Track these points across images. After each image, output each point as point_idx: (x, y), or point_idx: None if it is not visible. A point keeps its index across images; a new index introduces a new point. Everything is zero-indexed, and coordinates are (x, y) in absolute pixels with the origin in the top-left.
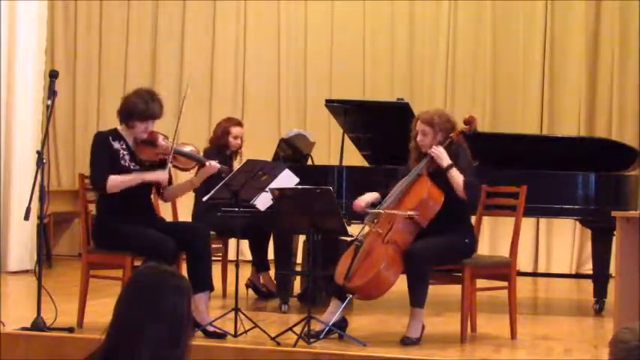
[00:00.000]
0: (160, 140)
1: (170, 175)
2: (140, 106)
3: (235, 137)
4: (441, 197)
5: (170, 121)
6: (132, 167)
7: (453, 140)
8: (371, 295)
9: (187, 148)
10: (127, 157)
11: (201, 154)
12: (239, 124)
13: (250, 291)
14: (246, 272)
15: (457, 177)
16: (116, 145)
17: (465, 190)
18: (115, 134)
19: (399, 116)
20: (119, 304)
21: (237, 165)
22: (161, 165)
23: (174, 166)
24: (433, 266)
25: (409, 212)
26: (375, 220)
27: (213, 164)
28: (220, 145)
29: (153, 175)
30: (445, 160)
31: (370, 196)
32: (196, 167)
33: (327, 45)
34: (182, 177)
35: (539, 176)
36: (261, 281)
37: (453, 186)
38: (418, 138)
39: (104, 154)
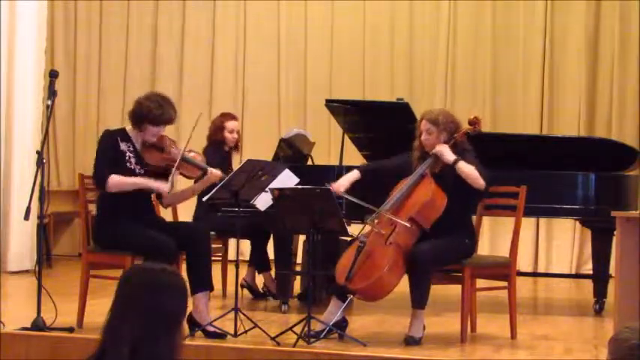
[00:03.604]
0: (168, 146)
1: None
2: (155, 111)
3: (231, 131)
4: (445, 199)
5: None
6: (137, 170)
7: (457, 141)
8: (373, 297)
9: (192, 155)
10: (132, 160)
11: (201, 151)
12: (234, 118)
13: (245, 291)
14: (245, 272)
15: (468, 168)
16: (123, 146)
17: (482, 177)
18: (123, 134)
19: (399, 116)
20: (112, 302)
21: (235, 163)
22: (166, 171)
23: (180, 174)
24: (435, 267)
25: (409, 225)
26: (377, 221)
27: (216, 172)
28: (218, 142)
29: (155, 184)
30: (450, 155)
31: (350, 177)
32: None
33: (327, 45)
34: (182, 184)
35: (539, 176)
36: (263, 281)
37: (465, 179)
38: (422, 137)
39: (109, 152)
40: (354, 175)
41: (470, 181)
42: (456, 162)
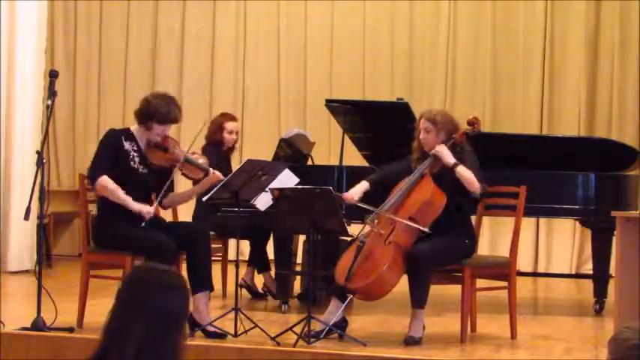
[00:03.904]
0: (172, 147)
1: (172, 183)
2: (162, 109)
3: (230, 132)
4: (444, 199)
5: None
6: (140, 170)
7: (457, 141)
8: (373, 296)
9: (195, 156)
10: (136, 159)
11: (200, 152)
12: (233, 119)
13: (244, 291)
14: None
15: (466, 173)
16: (127, 145)
17: (480, 183)
18: (127, 134)
19: (399, 116)
20: (114, 303)
21: (234, 163)
22: (169, 171)
23: (183, 174)
24: (435, 267)
25: (409, 223)
26: (376, 221)
27: (217, 174)
28: (216, 141)
29: (139, 207)
30: (450, 157)
31: (361, 187)
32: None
33: (327, 45)
34: (183, 185)
35: (539, 176)
36: (263, 281)
37: (463, 183)
38: (421, 136)
39: (109, 151)
40: (365, 185)
41: (467, 185)
42: (455, 165)
